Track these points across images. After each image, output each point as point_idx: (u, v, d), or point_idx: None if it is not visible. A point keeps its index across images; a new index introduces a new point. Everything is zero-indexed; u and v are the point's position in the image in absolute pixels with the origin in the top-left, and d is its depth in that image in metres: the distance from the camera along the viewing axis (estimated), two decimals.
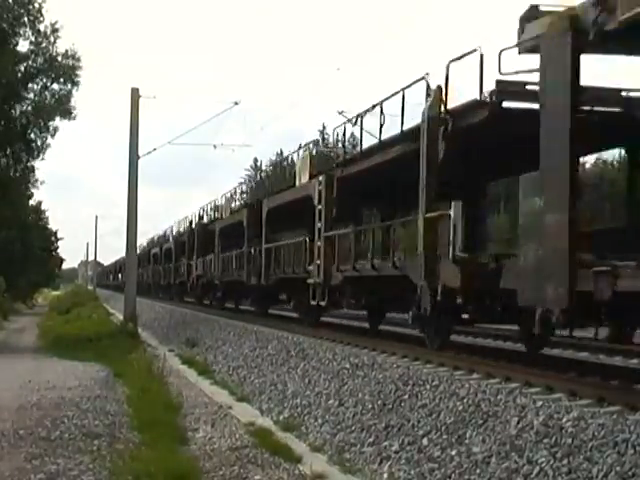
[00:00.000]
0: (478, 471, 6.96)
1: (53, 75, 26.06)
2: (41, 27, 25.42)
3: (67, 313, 38.37)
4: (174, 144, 27.28)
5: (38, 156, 27.66)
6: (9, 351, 22.06)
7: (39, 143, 27.11)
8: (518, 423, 7.30)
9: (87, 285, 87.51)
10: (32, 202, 52.18)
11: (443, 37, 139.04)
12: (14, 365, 17.10)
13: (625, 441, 6.15)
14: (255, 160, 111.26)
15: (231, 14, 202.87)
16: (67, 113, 26.65)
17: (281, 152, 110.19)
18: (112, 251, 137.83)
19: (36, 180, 30.71)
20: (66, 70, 25.93)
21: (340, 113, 26.69)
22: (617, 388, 8.40)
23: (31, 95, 26.58)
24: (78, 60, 26.26)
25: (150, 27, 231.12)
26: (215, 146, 29.12)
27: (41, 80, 26.29)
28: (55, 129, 27.07)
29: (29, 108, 26.57)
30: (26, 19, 25.15)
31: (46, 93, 26.58)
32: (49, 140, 27.22)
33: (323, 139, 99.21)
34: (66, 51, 26.07)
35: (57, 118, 26.68)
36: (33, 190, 33.63)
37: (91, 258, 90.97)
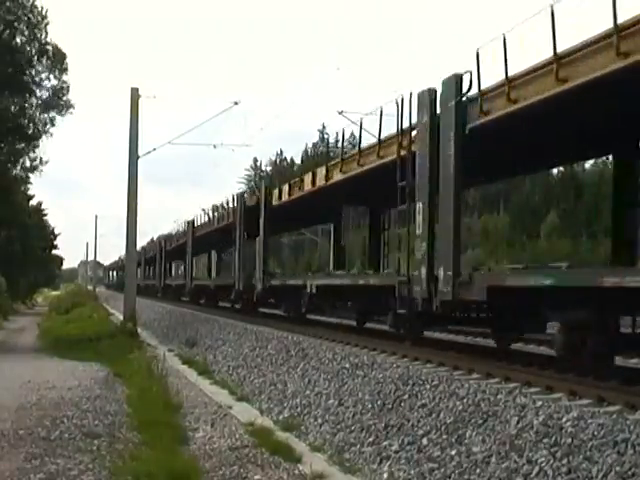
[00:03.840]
0: (478, 471, 6.96)
1: (48, 67, 26.22)
2: (32, 17, 25.58)
3: (67, 313, 38.35)
4: (174, 144, 27.29)
5: (36, 139, 27.76)
6: (9, 351, 22.04)
7: (35, 131, 27.24)
8: (518, 423, 7.30)
9: (87, 285, 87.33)
10: (32, 202, 52.27)
11: (443, 36, 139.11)
12: (14, 365, 17.09)
13: (625, 441, 6.15)
14: (255, 160, 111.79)
15: (231, 14, 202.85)
16: (66, 106, 26.81)
17: (281, 152, 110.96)
18: (112, 251, 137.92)
19: (35, 167, 30.66)
20: (58, 60, 26.13)
21: (340, 113, 26.70)
22: (617, 388, 8.39)
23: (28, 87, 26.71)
24: (62, 51, 26.52)
25: (150, 27, 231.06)
26: (215, 146, 29.14)
27: (37, 73, 26.45)
28: (52, 119, 27.25)
29: (25, 102, 26.68)
30: (22, 14, 25.29)
31: (42, 84, 26.75)
32: (49, 128, 27.45)
33: (323, 139, 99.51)
34: (54, 46, 26.37)
35: (55, 113, 26.85)
36: (32, 177, 33.45)
37: (91, 258, 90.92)
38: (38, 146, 28.39)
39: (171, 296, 43.42)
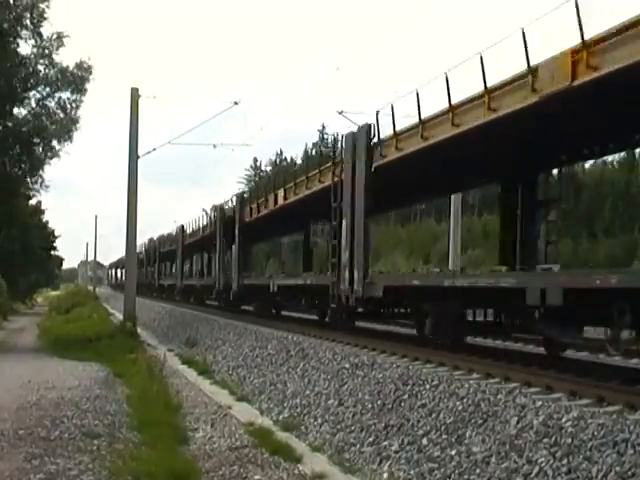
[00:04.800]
0: (478, 471, 6.96)
1: (59, 83, 26.04)
2: (43, 31, 25.40)
3: (67, 313, 38.37)
4: (174, 144, 27.31)
5: (41, 167, 27.59)
6: (9, 351, 22.02)
7: (41, 154, 27.08)
8: (518, 423, 7.30)
9: (87, 285, 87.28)
10: (32, 202, 52.13)
11: (443, 36, 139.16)
12: (14, 365, 17.08)
13: (625, 441, 6.15)
14: (255, 160, 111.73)
15: (231, 14, 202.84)
16: (69, 135, 26.70)
17: (281, 152, 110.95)
18: (113, 251, 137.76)
19: (42, 181, 30.47)
20: (75, 80, 25.94)
21: (340, 113, 26.73)
22: (617, 388, 8.39)
23: (33, 102, 26.56)
24: (89, 72, 26.31)
25: (150, 27, 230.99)
26: (215, 146, 29.19)
27: (45, 88, 26.26)
28: (56, 152, 27.11)
29: (30, 117, 26.54)
30: (28, 22, 25.11)
31: (49, 100, 26.56)
32: (54, 160, 27.30)
33: (323, 139, 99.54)
34: (80, 62, 26.15)
35: (58, 141, 26.68)
36: (37, 191, 33.26)
37: (91, 258, 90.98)
38: (43, 170, 28.18)
39: (257, 307, 24.64)
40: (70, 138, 26.70)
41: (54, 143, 26.61)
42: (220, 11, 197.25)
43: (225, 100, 26.28)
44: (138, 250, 49.62)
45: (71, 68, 25.94)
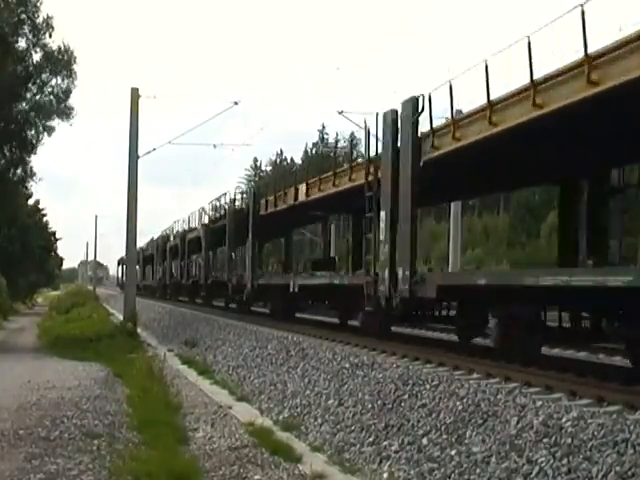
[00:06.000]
0: (478, 471, 6.96)
1: (50, 71, 26.02)
2: (37, 21, 25.38)
3: (67, 313, 38.37)
4: (174, 144, 27.32)
5: (32, 151, 27.51)
6: (9, 351, 22.04)
7: (34, 141, 27.02)
8: (518, 423, 7.30)
9: (87, 285, 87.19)
10: (30, 201, 52.14)
11: (443, 36, 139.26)
12: (14, 365, 17.09)
13: (625, 441, 6.15)
14: (255, 160, 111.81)
15: (231, 14, 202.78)
16: (65, 114, 26.60)
17: (281, 152, 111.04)
18: (113, 251, 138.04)
19: (34, 174, 30.36)
20: (63, 64, 25.88)
21: (340, 113, 26.76)
22: (617, 388, 8.40)
23: (29, 95, 26.48)
24: (72, 54, 26.24)
25: (150, 27, 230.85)
26: (215, 146, 29.24)
27: (39, 77, 26.23)
28: (51, 129, 26.99)
29: (26, 107, 26.49)
30: (25, 16, 25.12)
31: (45, 89, 26.50)
32: (45, 139, 27.12)
33: (323, 139, 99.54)
34: (59, 47, 26.08)
35: (56, 119, 26.61)
36: (31, 185, 33.08)
37: (91, 258, 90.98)
38: (35, 153, 28.10)
39: None
40: (67, 115, 26.66)
41: (47, 123, 26.59)
42: (220, 11, 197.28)
43: (225, 100, 26.23)
44: (181, 227, 40.76)
45: (56, 53, 25.93)
